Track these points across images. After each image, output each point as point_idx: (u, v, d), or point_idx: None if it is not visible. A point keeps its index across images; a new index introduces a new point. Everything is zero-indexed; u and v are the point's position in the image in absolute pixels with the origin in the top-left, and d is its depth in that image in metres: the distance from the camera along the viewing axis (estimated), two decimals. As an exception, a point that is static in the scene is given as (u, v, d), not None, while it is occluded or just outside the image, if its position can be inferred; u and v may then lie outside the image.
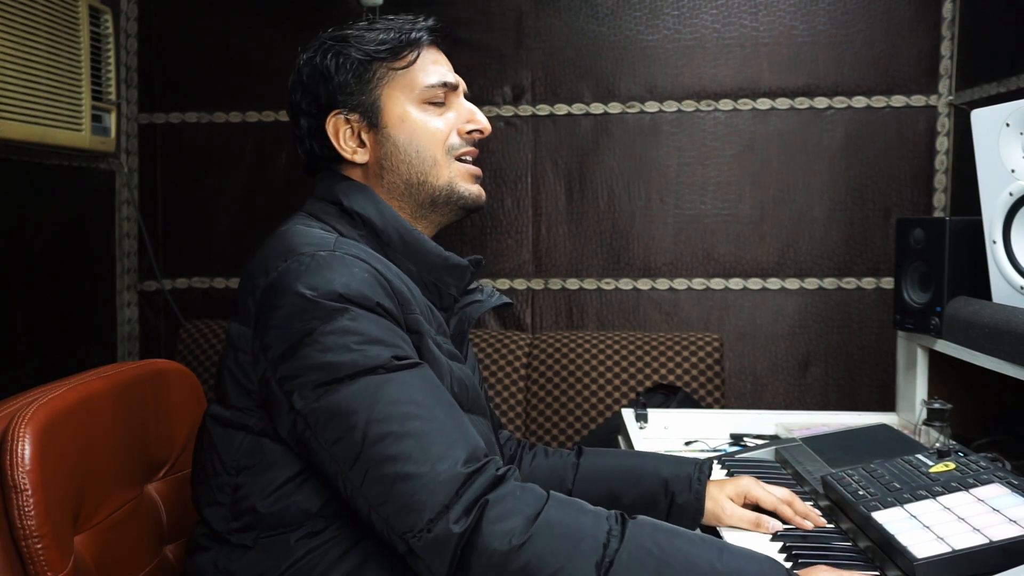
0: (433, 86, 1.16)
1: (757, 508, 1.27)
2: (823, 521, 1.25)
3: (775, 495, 1.27)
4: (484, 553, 0.91)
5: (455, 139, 1.17)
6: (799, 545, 1.16)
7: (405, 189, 1.16)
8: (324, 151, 1.17)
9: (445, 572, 0.92)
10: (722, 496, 1.28)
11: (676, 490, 1.28)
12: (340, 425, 0.96)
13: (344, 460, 0.96)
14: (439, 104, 1.17)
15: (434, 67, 1.18)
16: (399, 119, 1.15)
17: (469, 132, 1.18)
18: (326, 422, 0.97)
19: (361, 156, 1.16)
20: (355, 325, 0.98)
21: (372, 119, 1.15)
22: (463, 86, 1.21)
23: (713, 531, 1.26)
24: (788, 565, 1.10)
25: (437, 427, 0.96)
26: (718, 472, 1.50)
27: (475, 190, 1.19)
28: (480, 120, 1.19)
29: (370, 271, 1.03)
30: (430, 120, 1.16)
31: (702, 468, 1.31)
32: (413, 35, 1.16)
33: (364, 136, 1.16)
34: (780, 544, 1.17)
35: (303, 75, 1.17)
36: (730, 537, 1.20)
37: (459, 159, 1.18)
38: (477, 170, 1.20)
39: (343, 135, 1.16)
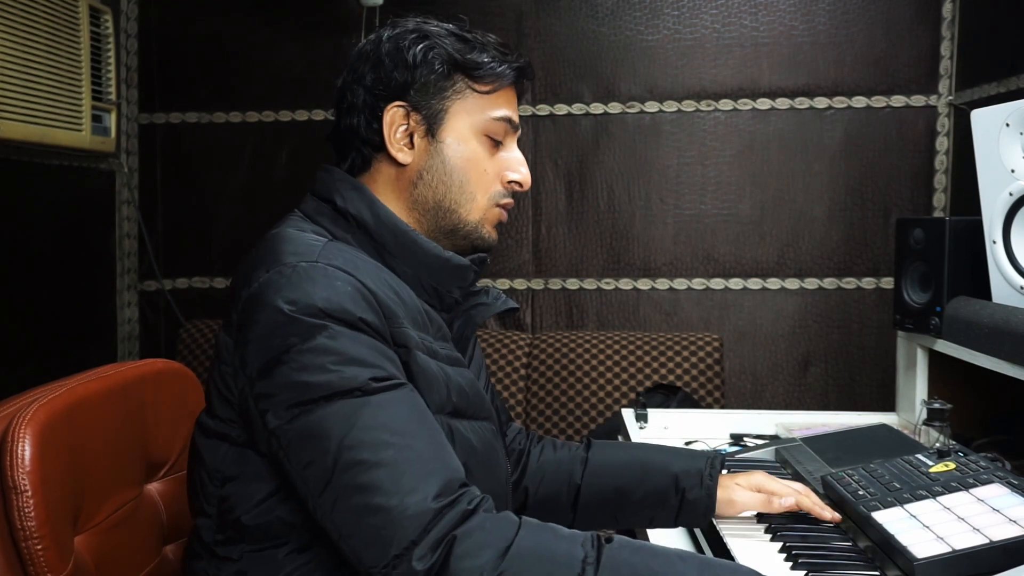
0: (499, 119, 1.13)
1: None
2: (839, 516, 1.24)
3: (791, 487, 1.26)
4: None
5: (498, 188, 1.14)
6: (799, 545, 1.16)
7: (433, 207, 1.12)
8: (368, 132, 1.12)
9: None
10: (731, 483, 1.27)
11: (687, 486, 1.26)
12: (312, 449, 0.93)
13: (315, 485, 0.93)
14: (496, 142, 1.14)
15: (507, 104, 1.15)
16: (458, 139, 1.11)
17: (510, 182, 1.15)
18: (299, 444, 0.94)
19: (404, 157, 1.11)
20: (333, 344, 0.95)
21: (432, 127, 1.11)
22: (519, 132, 1.19)
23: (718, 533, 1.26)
24: (788, 565, 1.11)
25: (412, 456, 0.92)
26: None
27: (494, 235, 1.17)
28: (523, 172, 1.16)
29: (353, 284, 0.99)
30: (484, 157, 1.13)
31: (713, 463, 1.28)
32: (505, 69, 1.13)
33: (417, 140, 1.11)
34: (780, 544, 1.17)
35: (383, 50, 1.11)
36: (734, 542, 1.20)
37: (497, 205, 1.15)
38: (504, 217, 1.17)
39: (397, 129, 1.11)
